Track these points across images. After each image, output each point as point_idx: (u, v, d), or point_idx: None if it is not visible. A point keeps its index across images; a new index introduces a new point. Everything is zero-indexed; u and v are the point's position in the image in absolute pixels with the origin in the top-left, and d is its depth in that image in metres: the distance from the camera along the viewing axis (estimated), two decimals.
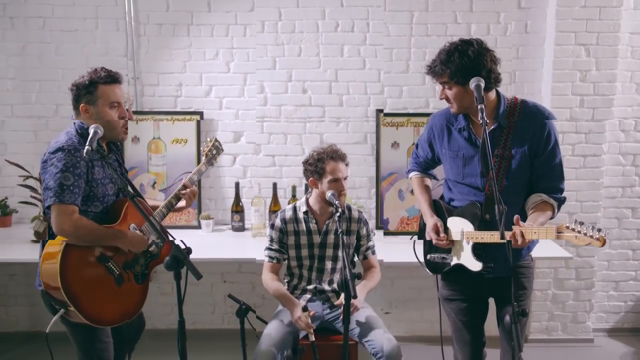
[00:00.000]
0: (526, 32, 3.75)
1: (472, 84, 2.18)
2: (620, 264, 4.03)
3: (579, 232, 2.01)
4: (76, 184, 2.25)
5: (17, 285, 4.03)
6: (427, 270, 2.66)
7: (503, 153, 2.33)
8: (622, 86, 3.78)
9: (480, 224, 2.36)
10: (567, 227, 2.05)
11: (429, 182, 2.74)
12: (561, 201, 2.35)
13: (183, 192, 2.67)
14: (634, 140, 3.88)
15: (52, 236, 2.33)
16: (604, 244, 1.96)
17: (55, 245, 2.28)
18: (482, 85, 2.17)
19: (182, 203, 2.72)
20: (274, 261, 2.96)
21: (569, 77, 3.64)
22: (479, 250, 2.38)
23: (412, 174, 2.77)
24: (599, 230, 1.97)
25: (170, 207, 2.65)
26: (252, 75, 3.85)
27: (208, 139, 2.94)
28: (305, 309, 2.74)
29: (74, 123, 2.39)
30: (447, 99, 2.34)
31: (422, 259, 2.68)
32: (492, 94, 2.32)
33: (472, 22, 3.74)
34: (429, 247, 2.63)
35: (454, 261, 2.48)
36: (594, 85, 3.65)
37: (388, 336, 2.73)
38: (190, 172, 2.79)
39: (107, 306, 2.38)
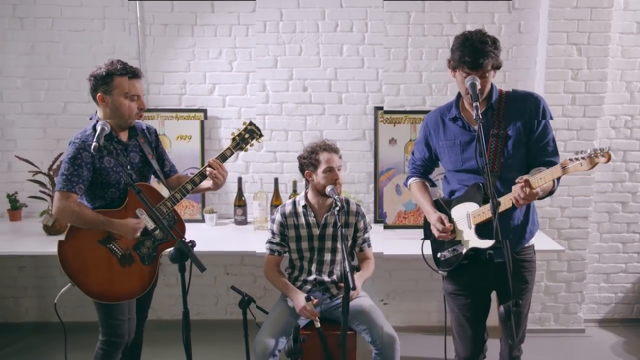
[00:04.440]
0: (520, 32, 3.82)
1: (468, 82, 2.26)
2: (611, 257, 4.12)
3: (583, 158, 1.98)
4: (76, 174, 2.45)
5: (26, 277, 4.13)
6: (440, 271, 2.63)
7: (498, 132, 2.39)
8: (612, 84, 3.85)
9: (485, 201, 2.36)
10: (570, 160, 2.03)
11: (427, 185, 2.76)
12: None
13: (209, 170, 2.64)
14: (624, 136, 3.95)
15: None
16: (609, 158, 1.94)
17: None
18: (478, 84, 2.25)
19: (207, 183, 2.71)
20: (275, 254, 3.05)
21: (561, 76, 3.70)
22: (482, 229, 2.39)
23: (410, 181, 2.79)
24: (601, 149, 1.95)
25: (194, 185, 2.66)
26: (254, 73, 3.92)
27: (243, 122, 2.80)
28: (308, 298, 2.83)
29: (97, 121, 2.51)
30: (482, 90, 2.35)
31: (431, 262, 2.67)
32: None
33: (467, 22, 3.81)
34: (437, 246, 2.64)
35: (465, 248, 2.47)
36: (585, 84, 3.71)
37: (386, 328, 2.81)
38: (196, 169, 2.81)
39: (109, 284, 2.56)
